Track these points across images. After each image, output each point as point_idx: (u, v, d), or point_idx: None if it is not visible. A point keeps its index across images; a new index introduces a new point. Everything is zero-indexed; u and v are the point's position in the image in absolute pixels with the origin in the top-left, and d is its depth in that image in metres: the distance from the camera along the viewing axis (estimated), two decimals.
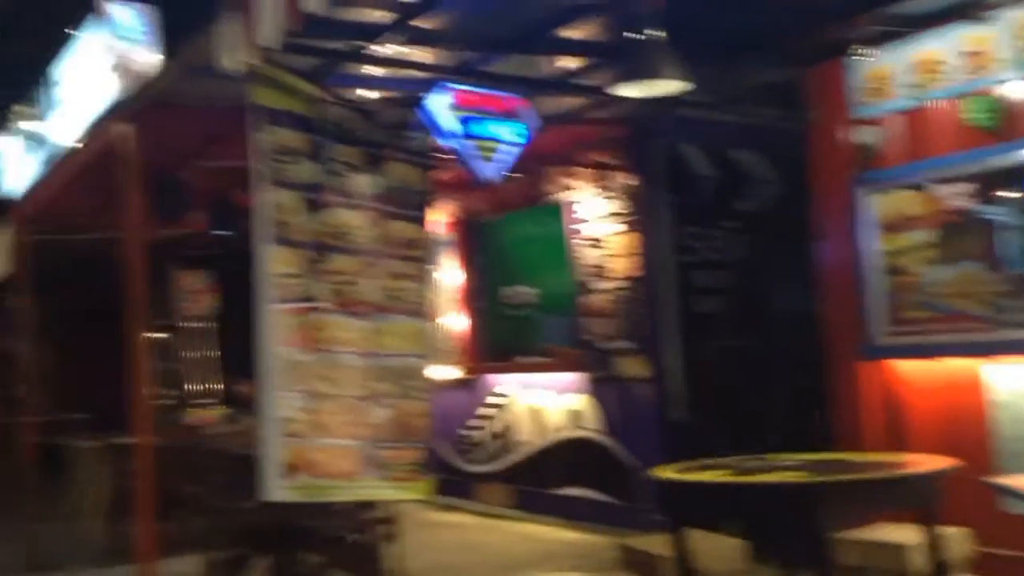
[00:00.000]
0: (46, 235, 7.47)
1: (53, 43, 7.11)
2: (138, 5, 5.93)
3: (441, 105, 4.88)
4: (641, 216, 6.51)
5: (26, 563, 6.88)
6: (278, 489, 4.03)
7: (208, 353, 10.47)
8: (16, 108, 8.40)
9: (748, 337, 6.44)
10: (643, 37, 4.05)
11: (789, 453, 3.82)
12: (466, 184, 6.35)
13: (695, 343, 6.27)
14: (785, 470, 3.47)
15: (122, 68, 5.65)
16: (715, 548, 3.90)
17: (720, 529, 3.90)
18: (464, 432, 8.02)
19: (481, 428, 7.90)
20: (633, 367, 6.50)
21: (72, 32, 6.66)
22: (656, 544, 3.91)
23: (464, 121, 4.89)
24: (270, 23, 3.48)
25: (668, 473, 3.59)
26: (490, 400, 7.84)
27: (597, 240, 6.84)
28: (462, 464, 7.99)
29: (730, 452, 3.92)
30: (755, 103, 6.14)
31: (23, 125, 8.20)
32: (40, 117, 7.60)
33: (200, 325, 10.54)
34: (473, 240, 8.28)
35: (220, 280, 10.32)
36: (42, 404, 7.62)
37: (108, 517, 7.11)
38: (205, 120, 5.21)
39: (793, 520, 3.24)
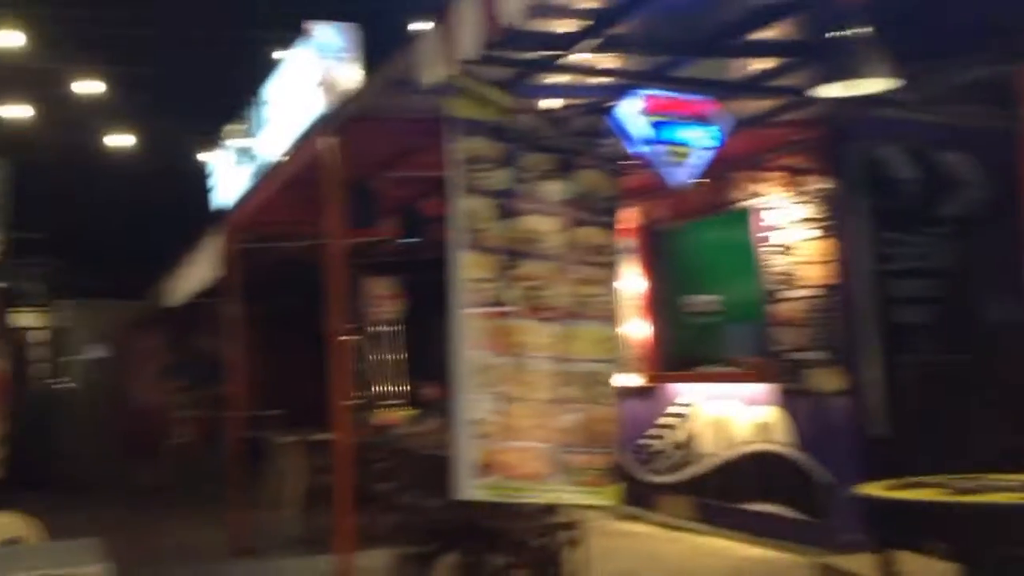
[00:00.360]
0: (253, 243, 7.98)
1: (261, 66, 7.61)
2: (341, 24, 6.25)
3: (632, 111, 4.86)
4: (837, 221, 6.24)
5: (230, 549, 7.37)
6: (470, 488, 4.13)
7: (394, 356, 10.85)
8: (228, 127, 9.06)
9: (955, 349, 6.05)
10: (847, 34, 3.89)
11: (1004, 473, 3.57)
12: (650, 190, 6.29)
13: (897, 355, 5.94)
14: (1005, 491, 3.25)
15: (326, 84, 5.97)
16: (923, 571, 3.68)
17: (929, 551, 3.68)
18: (644, 441, 7.94)
19: (662, 437, 7.80)
20: (827, 379, 6.23)
21: (279, 55, 7.10)
22: (859, 564, 3.73)
23: (655, 126, 4.84)
24: (470, 37, 3.56)
25: (874, 490, 3.43)
26: (672, 409, 7.73)
27: (787, 247, 6.61)
28: (642, 473, 7.91)
29: (935, 471, 3.70)
30: (961, 102, 5.78)
31: (234, 142, 8.83)
32: (249, 134, 8.14)
33: (386, 329, 10.94)
34: (656, 247, 8.21)
35: (406, 286, 10.68)
36: (246, 401, 8.12)
37: (304, 509, 7.50)
38: (399, 131, 5.41)
39: (1015, 544, 3.02)
